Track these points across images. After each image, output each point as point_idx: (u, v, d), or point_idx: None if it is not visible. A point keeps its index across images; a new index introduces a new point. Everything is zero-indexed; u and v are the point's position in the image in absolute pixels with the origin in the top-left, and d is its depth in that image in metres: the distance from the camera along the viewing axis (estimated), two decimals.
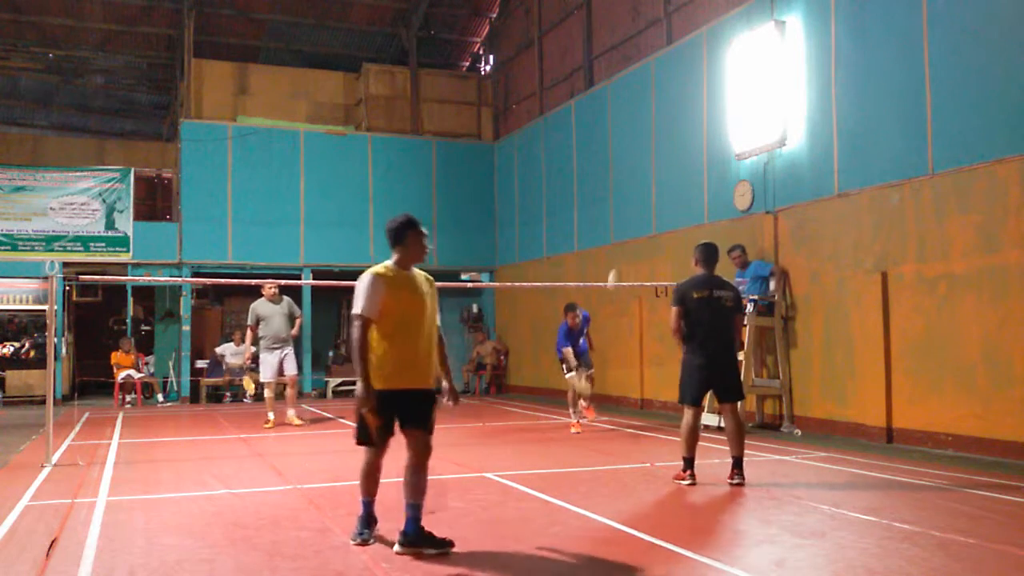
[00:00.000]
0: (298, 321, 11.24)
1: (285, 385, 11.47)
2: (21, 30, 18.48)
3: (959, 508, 5.50)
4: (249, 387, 14.20)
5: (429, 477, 7.11)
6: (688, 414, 6.47)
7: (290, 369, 11.03)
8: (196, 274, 15.96)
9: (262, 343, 11.01)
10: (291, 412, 11.07)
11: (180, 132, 16.45)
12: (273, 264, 16.45)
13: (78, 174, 15.86)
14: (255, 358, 11.66)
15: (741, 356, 10.01)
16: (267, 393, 11.18)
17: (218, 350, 16.04)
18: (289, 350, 11.04)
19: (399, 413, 4.58)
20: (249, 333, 11.11)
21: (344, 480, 6.82)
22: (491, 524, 5.19)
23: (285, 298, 11.23)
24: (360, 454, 4.79)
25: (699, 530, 5.03)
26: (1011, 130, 7.57)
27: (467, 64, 20.77)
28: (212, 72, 17.70)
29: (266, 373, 11.03)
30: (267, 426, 10.85)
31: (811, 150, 9.89)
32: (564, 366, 10.34)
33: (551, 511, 5.54)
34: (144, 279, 16.06)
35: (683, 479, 6.37)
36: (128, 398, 15.22)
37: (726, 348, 6.58)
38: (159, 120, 22.98)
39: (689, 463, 6.40)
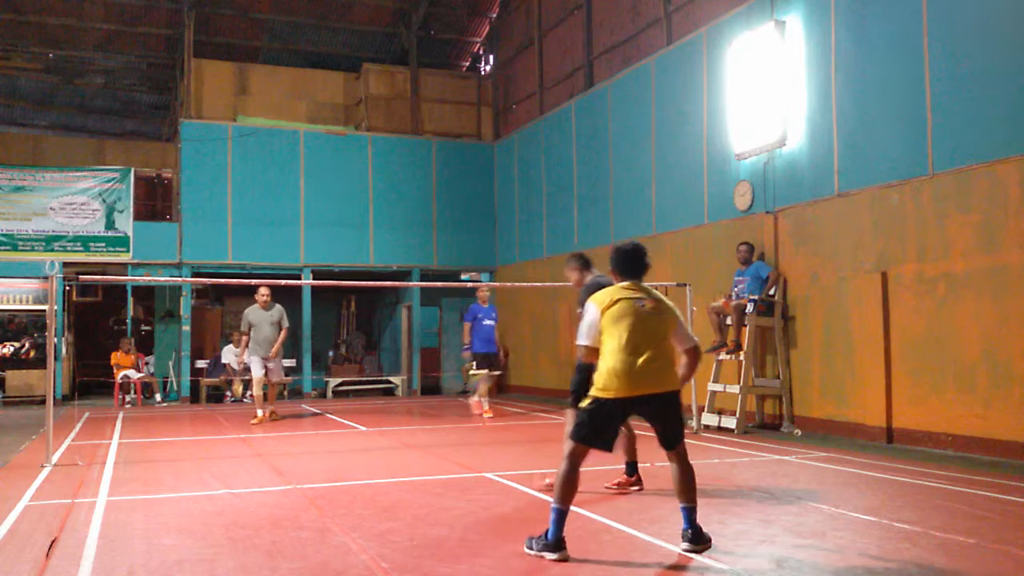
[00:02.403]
0: (283, 332, 11.49)
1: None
2: (21, 30, 18.48)
3: (959, 508, 5.50)
4: (237, 391, 15.45)
5: (429, 477, 7.13)
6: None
7: (274, 376, 11.56)
8: (196, 274, 15.96)
9: (251, 348, 11.44)
10: (268, 410, 11.55)
11: (180, 132, 16.45)
12: (273, 264, 16.45)
13: (78, 174, 15.86)
14: (247, 367, 12.06)
15: (741, 356, 10.04)
16: (256, 391, 11.59)
17: (223, 358, 16.03)
18: (276, 359, 11.47)
19: None
20: (242, 339, 11.56)
21: (344, 480, 6.82)
22: (491, 524, 5.19)
23: (277, 305, 11.57)
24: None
25: None
26: (1011, 130, 7.57)
27: (467, 64, 20.77)
28: (212, 72, 17.70)
29: (256, 372, 11.46)
30: (254, 422, 11.26)
31: (811, 150, 9.89)
32: (474, 364, 11.78)
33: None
34: (144, 279, 16.06)
35: (633, 484, 6.24)
36: (128, 398, 15.22)
37: None
38: (159, 120, 22.98)
39: (633, 467, 6.28)
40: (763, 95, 10.48)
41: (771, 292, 10.08)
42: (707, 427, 10.07)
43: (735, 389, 9.99)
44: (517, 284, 16.46)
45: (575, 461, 4.43)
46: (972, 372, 7.84)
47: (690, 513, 4.43)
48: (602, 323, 4.50)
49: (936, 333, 8.22)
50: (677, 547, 4.50)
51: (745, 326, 9.99)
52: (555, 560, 4.25)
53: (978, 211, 7.85)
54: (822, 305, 9.66)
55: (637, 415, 4.56)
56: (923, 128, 8.42)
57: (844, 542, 4.63)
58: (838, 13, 9.52)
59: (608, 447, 4.50)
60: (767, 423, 10.36)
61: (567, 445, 4.48)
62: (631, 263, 4.70)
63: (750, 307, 9.93)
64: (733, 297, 10.21)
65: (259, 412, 11.41)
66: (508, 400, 15.44)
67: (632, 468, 6.30)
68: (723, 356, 10.33)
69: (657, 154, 12.76)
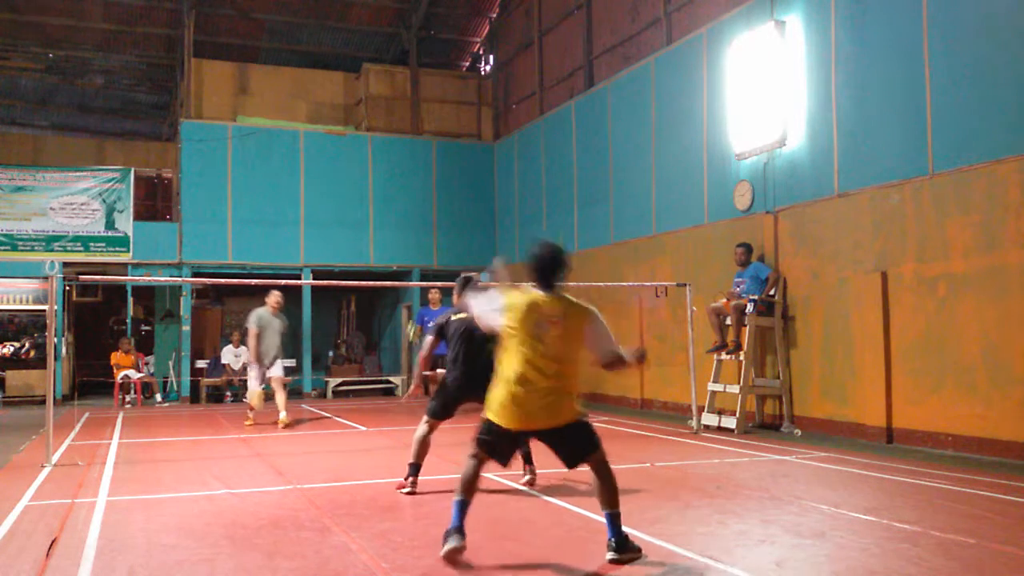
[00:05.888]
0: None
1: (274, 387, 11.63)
2: (21, 30, 18.48)
3: (959, 508, 5.50)
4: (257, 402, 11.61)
5: (429, 477, 7.12)
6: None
7: (274, 371, 11.23)
8: (196, 274, 15.96)
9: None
10: (283, 414, 11.13)
11: (180, 132, 16.45)
12: (273, 264, 16.44)
13: (78, 174, 15.85)
14: (247, 367, 11.86)
15: (741, 356, 10.04)
16: (257, 404, 11.40)
17: (223, 358, 16.02)
18: (276, 360, 11.29)
19: None
20: (253, 339, 11.08)
21: (344, 480, 6.83)
22: (491, 524, 5.19)
23: (282, 315, 11.48)
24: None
25: (699, 530, 5.02)
26: (1011, 130, 7.57)
27: (467, 64, 20.77)
28: (212, 72, 17.70)
29: (253, 386, 11.28)
30: (247, 424, 11.18)
31: (811, 150, 9.89)
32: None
33: (552, 511, 5.54)
34: (144, 279, 16.07)
35: (404, 487, 6.23)
36: (128, 398, 15.22)
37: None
38: (159, 120, 22.98)
39: (415, 470, 6.30)
40: (763, 95, 10.48)
41: (771, 292, 10.08)
42: (707, 427, 10.07)
43: (735, 389, 9.99)
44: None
45: (478, 464, 4.35)
46: (972, 372, 7.84)
47: (614, 520, 4.23)
48: (505, 329, 4.28)
49: (936, 333, 8.22)
50: (677, 547, 4.51)
51: (745, 326, 9.99)
52: (452, 548, 4.14)
53: (978, 211, 7.85)
54: (822, 305, 9.65)
55: (535, 440, 4.46)
56: (923, 128, 8.42)
57: (844, 542, 4.63)
58: (838, 13, 9.52)
59: (503, 463, 4.46)
60: (767, 423, 10.36)
61: (471, 447, 4.40)
62: (546, 271, 4.35)
63: (750, 307, 9.92)
64: (733, 297, 10.20)
65: (249, 413, 11.27)
66: None
67: (415, 469, 6.32)
68: (723, 356, 10.33)
69: (657, 154, 12.76)
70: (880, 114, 8.95)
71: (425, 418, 6.46)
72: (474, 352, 6.29)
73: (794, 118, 10.10)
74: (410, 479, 6.25)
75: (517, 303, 4.29)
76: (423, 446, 6.37)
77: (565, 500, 5.85)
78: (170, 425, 11.69)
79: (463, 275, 6.75)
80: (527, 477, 6.39)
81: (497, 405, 4.27)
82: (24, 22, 18.12)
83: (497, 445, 4.37)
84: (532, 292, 4.33)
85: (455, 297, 6.70)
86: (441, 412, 6.44)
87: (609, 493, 4.27)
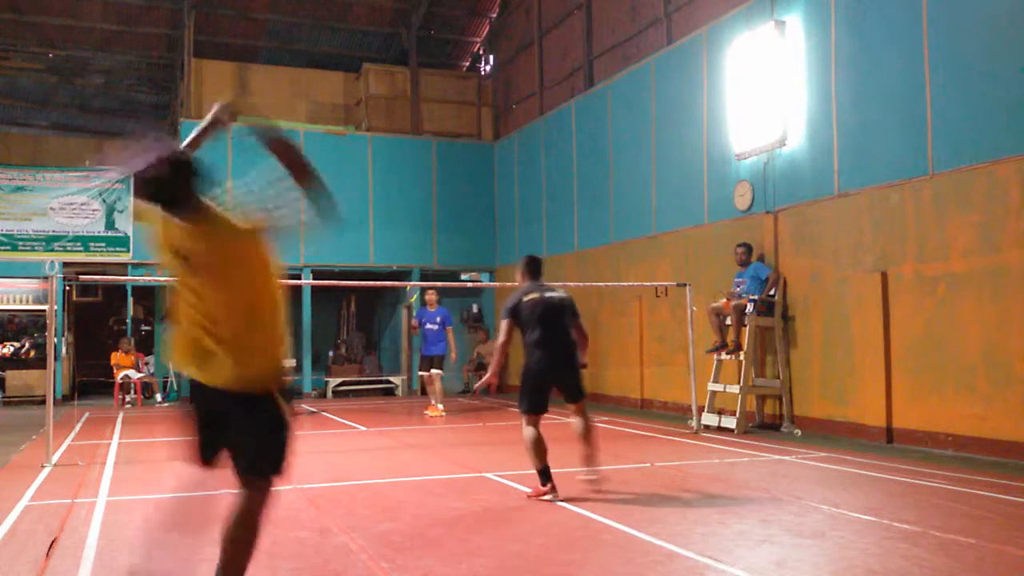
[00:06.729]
0: None
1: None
2: (21, 30, 18.48)
3: (959, 508, 5.50)
4: None
5: (429, 477, 7.12)
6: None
7: None
8: None
9: None
10: None
11: (180, 132, 16.44)
12: None
13: (78, 174, 15.87)
14: None
15: (741, 356, 10.03)
16: None
17: None
18: None
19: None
20: None
21: (344, 480, 6.82)
22: (491, 524, 5.19)
23: None
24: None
25: (699, 530, 5.02)
26: (1011, 130, 7.57)
27: (467, 64, 20.77)
28: (212, 72, 17.70)
29: None
30: None
31: (811, 150, 9.90)
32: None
33: (551, 511, 5.54)
34: (144, 279, 16.04)
35: (544, 494, 5.79)
36: (128, 398, 15.22)
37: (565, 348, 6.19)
38: (159, 120, 22.97)
39: (545, 474, 5.84)
40: (763, 95, 10.48)
41: (771, 292, 10.08)
42: (707, 427, 10.07)
43: (735, 389, 9.99)
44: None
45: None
46: (972, 372, 7.84)
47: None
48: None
49: (936, 333, 8.22)
50: (677, 547, 4.50)
51: (745, 326, 9.99)
52: None
53: (978, 211, 7.85)
54: (822, 305, 9.65)
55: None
56: (923, 128, 8.42)
57: (844, 542, 4.64)
58: (838, 13, 9.52)
59: (199, 460, 3.36)
60: (767, 423, 10.35)
61: None
62: (168, 185, 3.15)
63: (750, 307, 9.93)
64: (733, 297, 10.20)
65: None
66: (508, 400, 15.43)
67: (545, 475, 5.87)
68: (723, 356, 10.33)
69: (657, 154, 12.76)
70: (880, 114, 8.95)
71: (524, 419, 6.01)
72: (556, 332, 6.10)
73: (794, 118, 10.10)
74: (547, 484, 5.80)
75: (152, 224, 3.14)
76: (539, 446, 5.87)
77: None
78: (170, 425, 11.69)
79: (530, 256, 6.60)
80: (550, 495, 5.82)
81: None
82: (24, 22, 18.12)
83: (193, 427, 3.28)
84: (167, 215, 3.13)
85: (519, 278, 6.49)
86: (538, 405, 6.03)
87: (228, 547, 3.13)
